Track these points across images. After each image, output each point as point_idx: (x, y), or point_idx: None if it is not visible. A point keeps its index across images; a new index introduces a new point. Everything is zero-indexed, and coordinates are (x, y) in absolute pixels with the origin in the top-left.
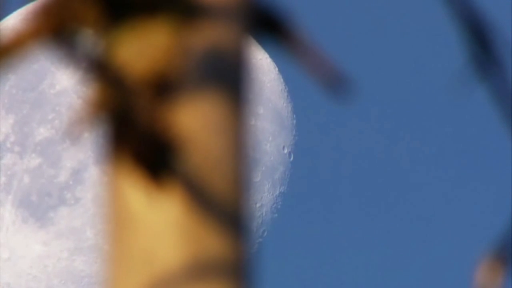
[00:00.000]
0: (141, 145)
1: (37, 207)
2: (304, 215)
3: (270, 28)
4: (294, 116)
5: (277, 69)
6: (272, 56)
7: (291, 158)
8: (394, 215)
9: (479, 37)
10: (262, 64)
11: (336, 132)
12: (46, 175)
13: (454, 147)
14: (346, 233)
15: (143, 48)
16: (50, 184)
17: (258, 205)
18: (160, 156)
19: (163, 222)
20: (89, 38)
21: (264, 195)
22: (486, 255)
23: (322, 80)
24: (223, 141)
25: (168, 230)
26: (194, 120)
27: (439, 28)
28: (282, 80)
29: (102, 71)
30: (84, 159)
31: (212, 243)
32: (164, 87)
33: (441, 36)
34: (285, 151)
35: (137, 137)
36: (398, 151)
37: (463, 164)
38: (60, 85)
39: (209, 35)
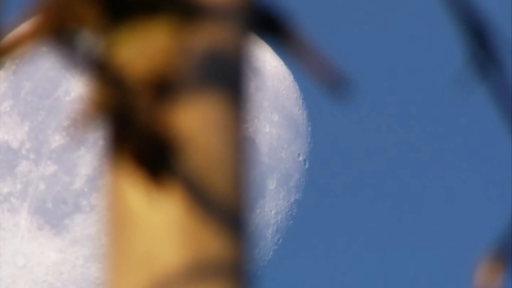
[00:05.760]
0: (141, 145)
1: (53, 214)
2: (319, 222)
3: (271, 28)
4: (309, 123)
5: (292, 76)
6: (287, 63)
7: (306, 165)
8: (399, 217)
9: (479, 37)
10: (277, 71)
11: (351, 139)
12: (62, 182)
13: (454, 147)
14: (361, 239)
15: (143, 48)
16: (66, 191)
17: (273, 212)
18: (160, 156)
19: (163, 223)
20: (89, 38)
21: (279, 202)
22: (486, 255)
23: (322, 80)
24: (223, 141)
25: (168, 230)
26: (194, 120)
27: (439, 28)
28: (297, 87)
29: (102, 71)
30: (99, 166)
31: (212, 243)
32: (164, 87)
33: (441, 36)
34: (300, 158)
35: (137, 137)
36: (404, 154)
37: (463, 164)
38: (75, 92)
39: (209, 35)
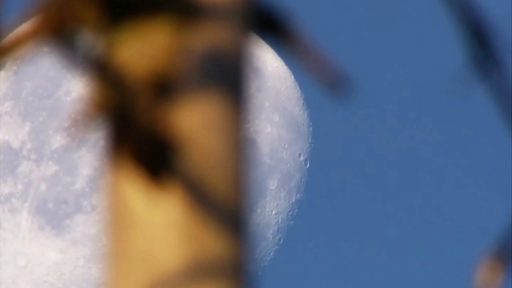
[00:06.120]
0: (141, 145)
1: (54, 214)
2: (320, 223)
3: (271, 28)
4: (310, 123)
5: (293, 76)
6: (288, 63)
7: (307, 166)
8: (399, 217)
9: (479, 37)
10: (278, 71)
11: (352, 139)
12: (63, 183)
13: (454, 147)
14: (361, 239)
15: (143, 48)
16: (67, 191)
17: (274, 212)
18: (160, 156)
19: (163, 222)
20: (89, 38)
21: (280, 202)
22: (486, 255)
23: (322, 80)
24: (223, 141)
25: (168, 230)
26: (194, 120)
27: (439, 28)
28: (298, 87)
29: (102, 71)
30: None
31: (212, 243)
32: (164, 87)
33: (441, 36)
34: (301, 158)
35: (137, 137)
36: (405, 154)
37: (463, 164)
38: (76, 92)
39: (209, 35)
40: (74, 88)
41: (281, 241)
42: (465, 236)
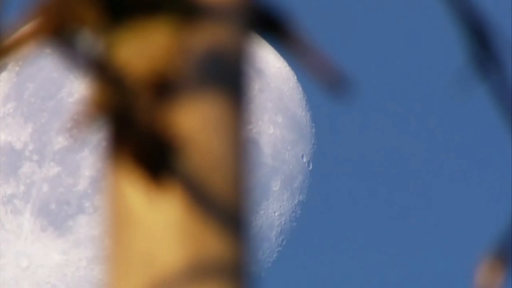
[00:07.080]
0: (141, 145)
1: (56, 215)
2: (323, 224)
3: (271, 28)
4: (313, 124)
5: (296, 77)
6: (290, 64)
7: (310, 167)
8: (401, 218)
9: (479, 37)
10: (281, 72)
11: (354, 141)
12: (65, 184)
13: (454, 146)
14: (364, 240)
15: (143, 48)
16: (69, 192)
17: (277, 213)
18: (160, 156)
19: (163, 223)
20: (89, 38)
21: (283, 203)
22: (486, 255)
23: (323, 80)
24: (223, 141)
25: (168, 230)
26: (194, 120)
27: (439, 28)
28: (301, 88)
29: (102, 71)
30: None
31: (212, 243)
32: (164, 87)
33: (441, 36)
34: (304, 159)
35: (137, 137)
36: (407, 155)
37: (463, 163)
38: (78, 93)
39: (209, 35)
40: (76, 89)
41: (284, 242)
42: (465, 236)
